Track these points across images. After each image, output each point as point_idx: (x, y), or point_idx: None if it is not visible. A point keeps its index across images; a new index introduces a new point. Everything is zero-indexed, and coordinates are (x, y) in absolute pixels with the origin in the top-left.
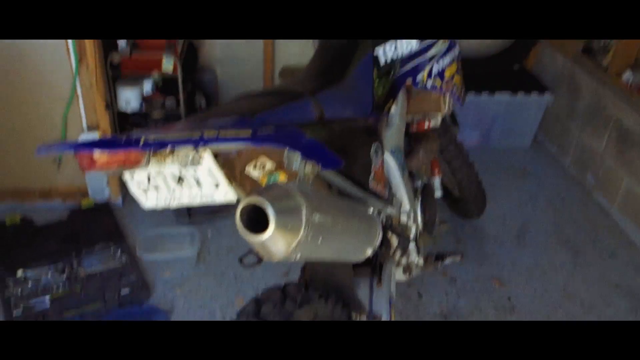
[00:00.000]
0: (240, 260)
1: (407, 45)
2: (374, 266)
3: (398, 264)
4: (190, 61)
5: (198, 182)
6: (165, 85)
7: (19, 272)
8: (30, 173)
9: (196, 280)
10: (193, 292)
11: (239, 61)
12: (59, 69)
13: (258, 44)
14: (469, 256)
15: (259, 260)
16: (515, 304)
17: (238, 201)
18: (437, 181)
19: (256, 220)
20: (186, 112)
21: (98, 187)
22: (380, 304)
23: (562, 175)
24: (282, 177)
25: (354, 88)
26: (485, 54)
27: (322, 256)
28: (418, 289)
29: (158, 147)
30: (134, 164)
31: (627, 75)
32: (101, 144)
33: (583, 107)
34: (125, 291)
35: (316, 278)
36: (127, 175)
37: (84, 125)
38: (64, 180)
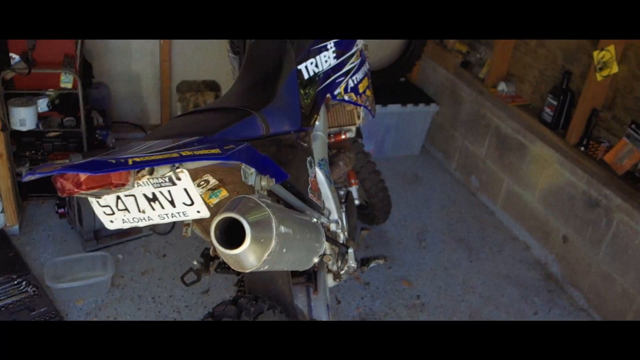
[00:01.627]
0: (182, 278)
1: (326, 61)
2: (309, 274)
3: (329, 270)
4: (85, 77)
5: (171, 201)
6: (64, 102)
7: None
8: None
9: (112, 306)
10: (111, 319)
11: (134, 76)
12: None
13: (154, 59)
14: None
15: (199, 277)
16: (424, 301)
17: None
18: (354, 190)
19: (227, 235)
20: (87, 130)
21: None
22: (319, 310)
23: (450, 180)
24: (223, 193)
25: (286, 102)
26: (374, 68)
27: (282, 266)
28: (336, 295)
29: (146, 167)
30: (120, 185)
31: (502, 86)
32: (93, 166)
33: (465, 115)
34: None
35: (254, 288)
36: (91, 198)
37: None
38: None
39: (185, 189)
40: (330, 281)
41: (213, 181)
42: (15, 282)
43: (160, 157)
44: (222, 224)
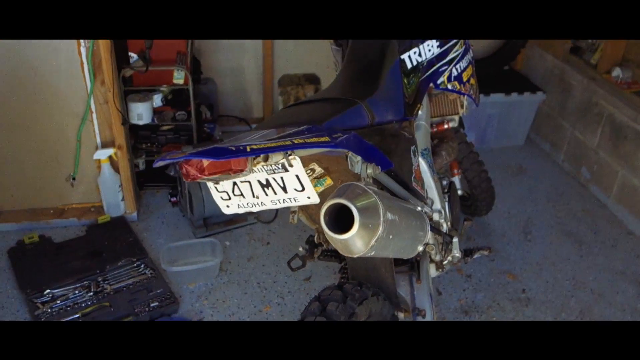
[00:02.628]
0: (289, 264)
1: (429, 50)
2: (412, 263)
3: (432, 260)
4: (194, 73)
5: (284, 187)
6: (176, 97)
7: (46, 291)
8: (44, 192)
9: (221, 290)
10: (220, 302)
11: (238, 72)
12: (73, 85)
13: (257, 54)
14: None
15: (304, 263)
16: (530, 295)
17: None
18: (457, 180)
19: (335, 220)
20: (196, 123)
21: (113, 202)
22: (422, 300)
23: (557, 171)
24: (328, 182)
25: (389, 92)
26: (478, 57)
27: (388, 253)
28: (437, 286)
29: (263, 153)
30: (239, 171)
31: (617, 72)
32: (216, 152)
33: (574, 104)
34: (154, 304)
35: (357, 276)
36: (210, 184)
37: (98, 141)
38: (78, 198)
39: (297, 176)
40: (432, 271)
41: (319, 169)
42: (135, 264)
43: (274, 144)
44: (331, 209)
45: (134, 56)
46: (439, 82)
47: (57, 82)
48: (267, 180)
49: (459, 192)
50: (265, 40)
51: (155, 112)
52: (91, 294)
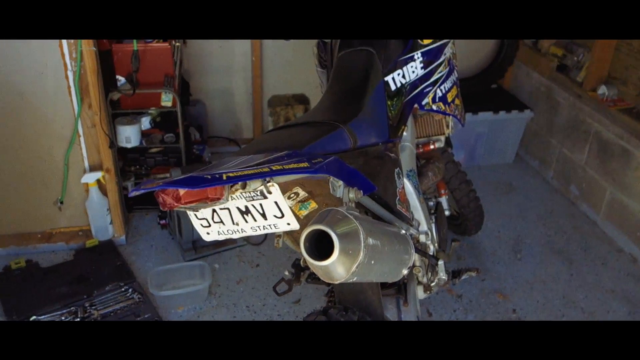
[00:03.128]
0: (274, 288)
1: (413, 72)
2: (399, 286)
3: (419, 282)
4: (183, 95)
5: (263, 214)
6: (164, 120)
7: (32, 318)
8: (31, 217)
9: (210, 313)
10: None
11: (227, 93)
12: (61, 109)
13: (246, 76)
14: None
15: (290, 287)
16: (520, 315)
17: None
18: (444, 201)
19: (316, 246)
20: (185, 145)
21: (101, 226)
22: None
23: (547, 188)
24: (313, 205)
25: (373, 114)
26: (466, 75)
27: (371, 277)
28: (427, 307)
29: (239, 181)
30: (216, 199)
31: (602, 90)
32: (191, 181)
33: (562, 122)
34: None
35: (344, 299)
36: (190, 212)
37: (86, 165)
38: (66, 222)
39: (276, 202)
40: (420, 293)
41: (302, 193)
42: (123, 289)
43: (251, 171)
44: (311, 235)
45: (121, 79)
46: (423, 103)
47: (45, 107)
48: (246, 207)
49: (447, 212)
50: (255, 60)
51: (144, 134)
52: (78, 319)
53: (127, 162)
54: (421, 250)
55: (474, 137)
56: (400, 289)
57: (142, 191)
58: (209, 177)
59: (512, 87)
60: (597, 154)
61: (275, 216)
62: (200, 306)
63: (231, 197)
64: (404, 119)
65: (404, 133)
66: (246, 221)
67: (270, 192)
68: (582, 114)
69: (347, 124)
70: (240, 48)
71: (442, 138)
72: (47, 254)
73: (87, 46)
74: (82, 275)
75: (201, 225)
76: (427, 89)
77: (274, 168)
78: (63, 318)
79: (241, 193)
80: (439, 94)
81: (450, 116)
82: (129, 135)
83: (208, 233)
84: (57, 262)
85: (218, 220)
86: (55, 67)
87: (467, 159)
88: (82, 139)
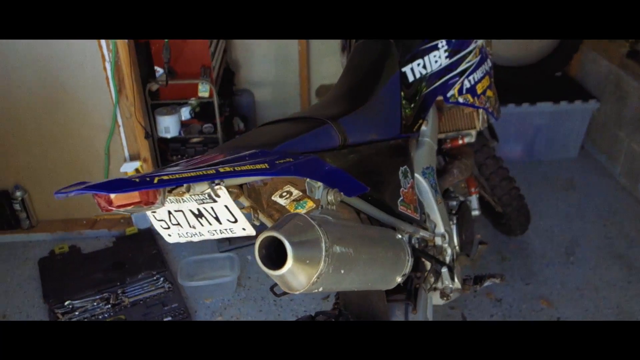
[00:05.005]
0: (272, 289)
1: (436, 62)
2: (409, 292)
3: (435, 288)
4: (226, 85)
5: (217, 218)
6: (203, 110)
7: (67, 302)
8: (77, 204)
9: (236, 306)
10: (233, 319)
11: (275, 83)
12: (100, 100)
13: (294, 65)
14: (515, 275)
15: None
16: None
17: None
18: (474, 199)
19: (277, 254)
20: (224, 136)
21: (141, 215)
22: None
23: (613, 186)
24: (310, 204)
25: (381, 109)
26: (526, 62)
27: (346, 287)
28: (462, 311)
29: (172, 185)
30: (150, 204)
31: None
32: (115, 185)
33: (631, 113)
34: (167, 319)
35: (350, 304)
36: (149, 213)
37: (126, 154)
38: None
39: (226, 206)
40: (437, 299)
41: (296, 192)
42: (154, 277)
43: (192, 174)
44: (268, 242)
45: (159, 70)
46: (449, 95)
47: (85, 98)
48: (198, 210)
49: (476, 212)
50: (301, 50)
51: (184, 125)
52: (109, 306)
53: (170, 152)
54: (428, 254)
55: (532, 130)
56: (409, 294)
57: (63, 194)
58: (137, 180)
59: (579, 75)
60: None
61: (229, 220)
62: (228, 298)
63: (177, 200)
64: (422, 112)
65: (423, 127)
66: (202, 225)
67: (218, 196)
68: None
69: (336, 120)
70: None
71: (473, 132)
72: (91, 240)
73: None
74: (119, 262)
75: (161, 227)
76: (453, 80)
77: (221, 170)
78: (95, 304)
79: (191, 196)
80: (467, 85)
81: (482, 109)
82: (168, 126)
83: (169, 235)
84: (98, 248)
85: (176, 223)
86: (93, 59)
87: (525, 153)
88: (121, 129)
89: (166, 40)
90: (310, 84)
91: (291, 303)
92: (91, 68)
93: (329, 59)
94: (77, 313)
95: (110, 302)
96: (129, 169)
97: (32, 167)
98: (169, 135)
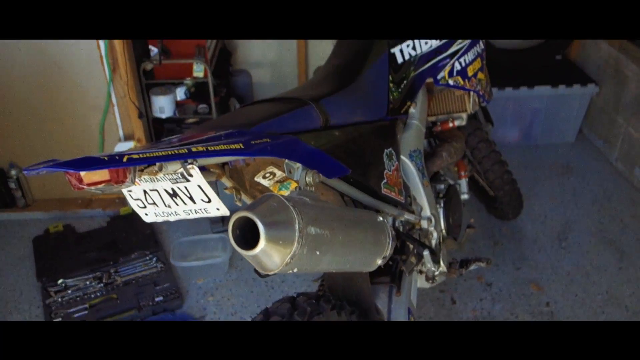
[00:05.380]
0: (256, 270)
1: (426, 43)
2: (394, 274)
3: (420, 272)
4: (223, 66)
5: (191, 197)
6: (199, 91)
7: (60, 281)
8: None
9: (228, 287)
10: (225, 299)
11: (273, 64)
12: (94, 79)
13: (291, 46)
14: (506, 259)
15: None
16: (553, 309)
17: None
18: (463, 183)
19: (251, 234)
20: (219, 115)
21: None
22: (399, 313)
23: (609, 171)
24: (294, 186)
25: (367, 90)
26: (527, 45)
27: (323, 268)
28: (452, 294)
29: (142, 164)
30: (120, 182)
31: None
32: (84, 163)
33: (630, 97)
34: (159, 299)
35: (334, 286)
36: (125, 191)
37: (121, 134)
38: None
39: (199, 186)
40: (423, 282)
41: (279, 173)
42: (147, 257)
43: (164, 153)
44: (242, 222)
45: (154, 49)
46: (439, 77)
47: (79, 76)
48: (172, 189)
49: (465, 196)
50: None
51: (179, 105)
52: (101, 285)
53: (165, 132)
54: (410, 236)
55: (530, 114)
56: (394, 277)
57: (33, 171)
58: (106, 158)
59: (579, 58)
60: None
61: (202, 200)
62: (219, 279)
63: (153, 178)
64: (411, 94)
65: (412, 110)
66: (177, 204)
67: (191, 175)
68: None
69: (318, 101)
70: None
71: (464, 115)
72: (85, 219)
73: None
74: (113, 241)
75: (137, 206)
76: (444, 62)
77: (193, 150)
78: (88, 283)
79: (164, 175)
80: (457, 67)
81: (472, 92)
82: (163, 106)
83: (146, 214)
84: (93, 227)
85: (151, 202)
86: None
87: (523, 137)
88: (115, 108)
89: None
90: (308, 65)
91: (282, 285)
92: (85, 46)
93: (326, 40)
94: (69, 292)
95: (103, 281)
96: (123, 148)
97: (27, 146)
98: (163, 116)
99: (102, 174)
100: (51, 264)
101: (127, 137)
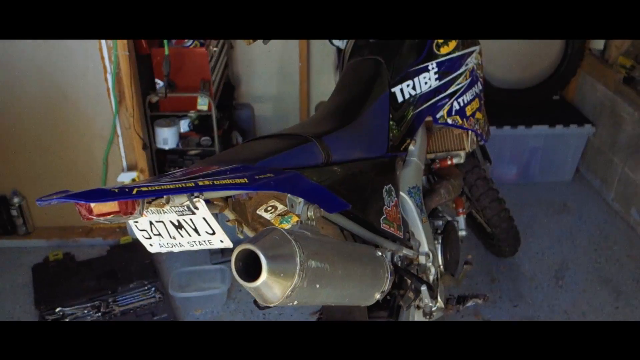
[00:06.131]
0: (255, 301)
1: (426, 83)
2: (391, 309)
3: (418, 307)
4: (226, 99)
5: (195, 229)
6: (202, 123)
7: (58, 309)
8: (74, 212)
9: (226, 318)
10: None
11: (276, 98)
12: (101, 110)
13: (294, 81)
14: (503, 297)
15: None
16: None
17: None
18: (461, 220)
19: (253, 267)
20: (221, 149)
21: None
22: None
23: (605, 210)
24: (295, 219)
25: (367, 128)
26: (525, 85)
27: (322, 301)
28: None
29: (151, 197)
30: (128, 214)
31: None
32: (94, 195)
33: (625, 139)
34: None
35: (332, 319)
36: (131, 222)
37: (124, 164)
38: None
39: (204, 218)
40: (421, 318)
41: (281, 207)
42: (146, 287)
43: (172, 186)
44: (245, 255)
45: (160, 83)
46: (438, 116)
47: (86, 107)
48: (178, 221)
49: (463, 233)
50: (302, 65)
51: (182, 137)
52: (99, 314)
53: (168, 163)
54: (408, 271)
55: (528, 153)
56: (391, 312)
57: (46, 202)
58: (117, 190)
59: (576, 99)
60: None
61: (207, 232)
62: (217, 310)
63: (159, 210)
64: (411, 132)
65: (411, 147)
66: (182, 235)
67: (197, 208)
68: None
69: (320, 138)
70: (288, 53)
71: (462, 153)
72: (86, 247)
73: (122, 50)
74: (112, 270)
75: (143, 236)
76: (443, 102)
77: (200, 184)
78: (86, 312)
79: (171, 207)
80: (456, 106)
81: (470, 131)
82: (167, 137)
83: (151, 245)
84: (92, 256)
85: (157, 233)
86: (95, 70)
87: (521, 175)
88: (120, 139)
89: (167, 53)
90: (310, 100)
91: (280, 317)
92: (93, 79)
93: (328, 76)
94: (67, 320)
95: (101, 310)
96: (125, 179)
97: (30, 174)
98: (167, 147)
99: (112, 206)
100: (50, 291)
101: (130, 168)
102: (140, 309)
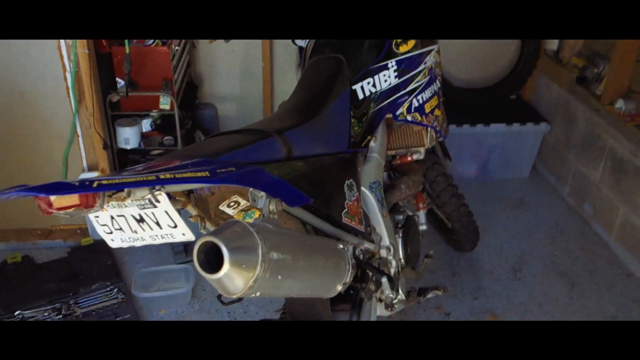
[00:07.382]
0: (219, 297)
1: (386, 81)
2: (354, 302)
3: (380, 300)
4: (189, 99)
5: (157, 223)
6: (165, 123)
7: (17, 312)
8: (32, 213)
9: (190, 317)
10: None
11: (239, 98)
12: (60, 109)
13: (257, 81)
14: (464, 290)
15: (240, 297)
16: None
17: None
18: (421, 215)
19: (215, 259)
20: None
21: None
22: None
23: (561, 205)
24: (257, 214)
25: (329, 124)
26: (483, 85)
27: (285, 292)
28: None
29: (112, 190)
30: (89, 207)
31: (620, 104)
32: (54, 188)
33: (579, 136)
34: None
35: (296, 313)
36: (92, 217)
37: (85, 164)
38: (65, 219)
39: (166, 212)
40: (383, 311)
41: (244, 202)
42: (108, 288)
43: (133, 179)
44: (207, 247)
45: (120, 82)
46: (397, 113)
47: (44, 106)
48: (140, 215)
49: (423, 227)
50: (265, 65)
51: (144, 136)
52: (60, 316)
53: (129, 163)
54: (369, 264)
55: (486, 150)
56: (354, 304)
57: (5, 195)
58: (77, 184)
59: (532, 98)
60: (612, 172)
61: (169, 226)
62: (182, 310)
63: (120, 204)
64: (371, 129)
65: (372, 143)
66: (144, 230)
67: (158, 201)
68: (598, 128)
69: (282, 133)
70: (251, 53)
71: (422, 150)
72: (45, 250)
73: (82, 48)
74: (73, 272)
75: (104, 231)
76: (403, 99)
77: (161, 177)
78: (46, 314)
79: (132, 201)
80: (415, 104)
81: (429, 127)
82: (128, 137)
83: (112, 240)
84: (52, 258)
85: (118, 228)
86: (53, 69)
87: (479, 172)
88: (80, 139)
89: (127, 51)
90: (274, 100)
91: (245, 315)
92: (51, 77)
93: (292, 75)
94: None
95: (62, 312)
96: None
97: None
98: (128, 147)
99: (72, 199)
100: (8, 295)
101: (91, 168)
102: (102, 310)
